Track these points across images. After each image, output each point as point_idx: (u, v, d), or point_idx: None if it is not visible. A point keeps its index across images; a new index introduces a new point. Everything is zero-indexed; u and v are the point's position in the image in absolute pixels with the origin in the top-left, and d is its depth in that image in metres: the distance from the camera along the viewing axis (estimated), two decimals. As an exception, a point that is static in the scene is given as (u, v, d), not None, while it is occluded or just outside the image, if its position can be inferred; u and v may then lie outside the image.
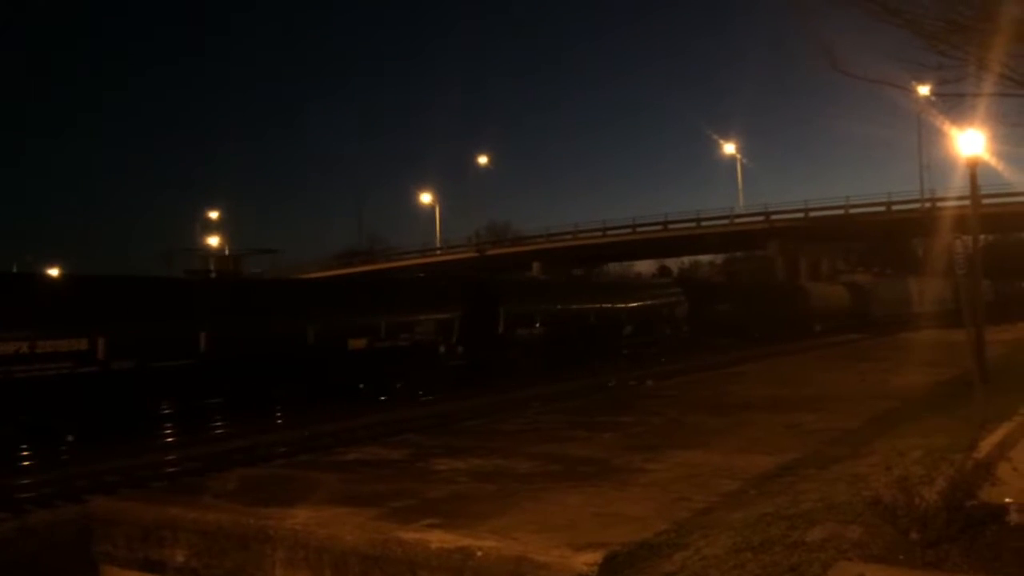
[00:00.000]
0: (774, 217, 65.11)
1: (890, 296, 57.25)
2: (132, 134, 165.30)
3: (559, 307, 30.11)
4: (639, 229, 70.47)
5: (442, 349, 24.72)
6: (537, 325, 28.07)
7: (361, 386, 22.60)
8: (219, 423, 18.70)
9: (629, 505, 8.19)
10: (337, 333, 21.90)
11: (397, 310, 24.07)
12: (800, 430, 12.39)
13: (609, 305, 32.96)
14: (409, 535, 7.50)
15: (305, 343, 20.78)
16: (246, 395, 19.54)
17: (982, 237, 21.46)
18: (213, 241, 76.59)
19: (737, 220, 67.31)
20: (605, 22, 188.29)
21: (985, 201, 37.53)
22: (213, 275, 23.90)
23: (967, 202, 17.58)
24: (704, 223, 67.58)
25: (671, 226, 68.61)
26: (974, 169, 15.92)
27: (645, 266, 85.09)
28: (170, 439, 17.10)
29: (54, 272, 33.69)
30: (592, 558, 6.54)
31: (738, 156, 77.42)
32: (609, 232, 72.03)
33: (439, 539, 7.31)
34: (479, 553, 6.99)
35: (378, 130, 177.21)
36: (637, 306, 34.32)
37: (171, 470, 13.45)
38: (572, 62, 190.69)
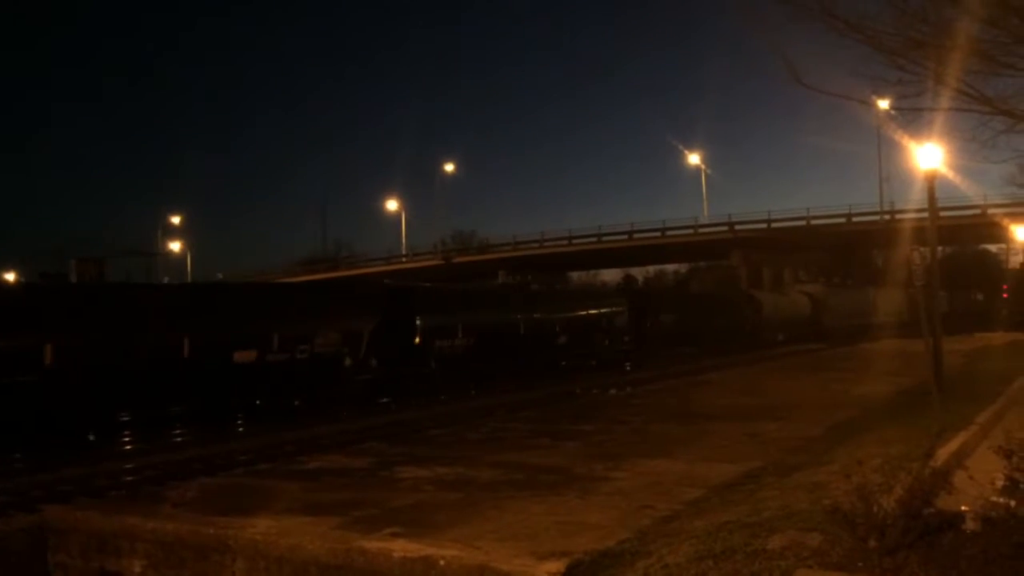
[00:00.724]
0: (738, 227, 65.76)
1: (846, 306, 56.81)
2: (96, 139, 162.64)
3: (485, 317, 27.80)
4: (605, 238, 70.78)
5: (348, 362, 22.40)
6: (460, 336, 26.05)
7: (257, 403, 20.16)
8: (178, 431, 18.32)
9: (592, 514, 8.21)
10: (219, 345, 19.27)
11: (293, 320, 21.40)
12: (762, 439, 12.52)
13: (541, 315, 30.74)
14: (372, 544, 7.45)
15: (180, 355, 18.30)
16: (98, 413, 17.15)
17: (940, 249, 21.85)
18: (174, 246, 75.95)
19: (701, 230, 67.88)
20: (572, 32, 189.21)
21: (943, 214, 38.27)
22: (73, 280, 20.94)
23: (926, 215, 17.88)
24: (669, 233, 68.08)
25: (636, 236, 68.99)
26: (932, 182, 16.22)
27: (611, 275, 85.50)
28: (128, 447, 16.79)
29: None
30: (555, 567, 6.54)
31: (703, 167, 78.14)
32: (575, 241, 72.27)
33: (402, 548, 7.27)
34: (442, 562, 6.95)
35: (346, 137, 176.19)
36: (573, 316, 32.41)
37: (129, 479, 13.17)
38: (539, 72, 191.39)
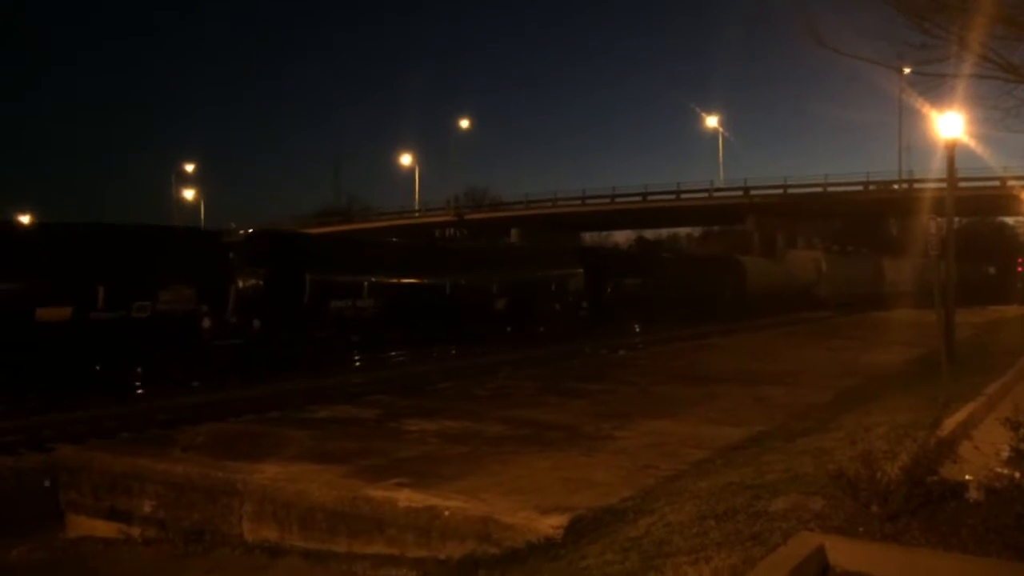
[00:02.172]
0: (753, 192, 65.26)
1: (848, 275, 53.54)
2: (108, 92, 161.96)
3: (398, 276, 24.23)
4: (618, 199, 70.39)
5: (207, 324, 18.55)
6: (365, 297, 22.52)
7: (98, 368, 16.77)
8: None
9: (596, 471, 8.27)
10: (16, 299, 15.57)
11: (127, 269, 17.35)
12: (768, 403, 12.55)
13: (475, 276, 26.98)
14: (377, 493, 7.54)
15: None
16: None
17: (956, 220, 21.66)
18: (188, 194, 76.07)
19: (716, 194, 67.40)
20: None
21: (962, 184, 37.90)
22: None
23: (944, 184, 17.70)
24: (684, 196, 67.61)
25: (650, 198, 68.57)
26: (952, 151, 15.99)
27: (623, 236, 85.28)
28: (139, 392, 16.97)
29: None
30: (558, 521, 6.60)
31: (720, 130, 77.36)
32: (588, 201, 71.92)
33: (407, 498, 7.35)
34: (446, 513, 7.04)
35: (361, 92, 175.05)
36: (515, 278, 28.54)
37: (139, 422, 13.34)
38: (557, 33, 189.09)
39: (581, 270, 31.70)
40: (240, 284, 20.14)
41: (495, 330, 27.42)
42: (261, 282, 20.64)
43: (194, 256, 19.09)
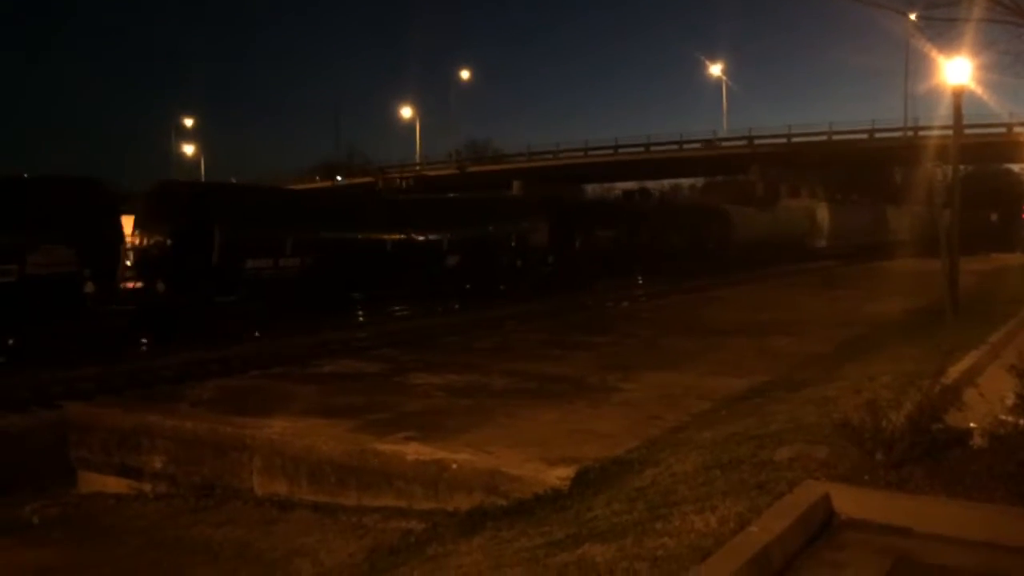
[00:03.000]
0: (757, 142, 64.73)
1: (847, 225, 51.67)
2: (105, 48, 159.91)
3: (329, 231, 21.46)
4: (621, 150, 69.91)
5: (89, 288, 16.22)
6: (288, 255, 19.85)
7: None
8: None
9: (602, 423, 8.33)
10: None
11: None
12: (771, 354, 12.59)
13: (420, 230, 24.38)
14: (385, 447, 7.60)
15: None
16: None
17: (961, 168, 21.50)
18: (188, 149, 75.67)
19: (720, 144, 66.93)
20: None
21: (968, 132, 37.51)
22: None
23: (950, 132, 17.52)
24: (686, 146, 67.16)
25: (653, 148, 68.11)
26: (959, 98, 15.82)
27: (626, 187, 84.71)
28: (144, 349, 17.04)
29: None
30: (565, 472, 6.67)
31: (724, 78, 76.55)
32: (591, 153, 71.44)
33: (415, 451, 7.42)
34: (454, 466, 7.10)
35: (362, 44, 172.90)
36: (467, 233, 25.92)
37: (146, 378, 13.41)
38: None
39: (545, 223, 29.10)
40: (141, 242, 18.23)
41: (444, 290, 24.94)
42: (167, 240, 18.23)
43: (74, 211, 16.48)
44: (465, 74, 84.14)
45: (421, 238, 24.39)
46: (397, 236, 23.44)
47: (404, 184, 31.58)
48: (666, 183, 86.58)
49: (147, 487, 8.87)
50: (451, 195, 38.09)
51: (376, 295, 23.00)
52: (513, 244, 27.86)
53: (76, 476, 9.54)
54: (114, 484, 9.10)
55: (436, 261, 24.78)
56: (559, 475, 6.65)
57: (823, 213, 51.16)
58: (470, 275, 25.90)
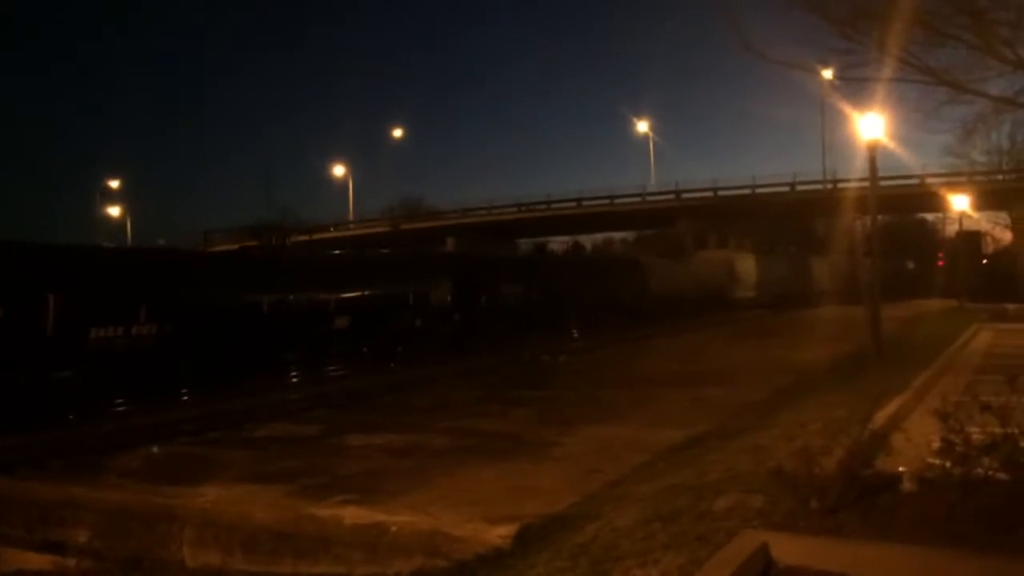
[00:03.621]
0: (684, 195, 66.33)
1: (774, 274, 51.66)
2: (34, 112, 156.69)
3: (192, 293, 19.29)
4: (554, 205, 70.86)
5: None
6: (144, 323, 17.62)
7: None
8: (120, 400, 17.82)
9: (542, 479, 8.30)
10: None
11: None
12: (706, 403, 12.76)
13: (304, 291, 22.32)
14: (323, 511, 7.45)
15: None
16: None
17: (879, 218, 22.34)
18: (114, 211, 74.18)
19: (649, 198, 68.31)
20: (518, 1, 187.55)
21: (883, 183, 39.05)
22: None
23: (867, 184, 18.24)
24: (617, 200, 68.42)
25: (585, 203, 69.24)
26: (873, 151, 16.53)
27: (559, 243, 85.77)
28: (68, 416, 16.42)
29: None
30: (506, 531, 6.61)
31: (650, 135, 78.55)
32: (524, 208, 72.21)
33: (353, 515, 7.28)
34: (394, 528, 6.98)
35: (292, 104, 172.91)
36: (358, 292, 24.10)
37: (70, 449, 12.90)
38: (487, 40, 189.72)
39: (448, 279, 27.44)
40: None
41: (331, 354, 23.01)
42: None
43: None
44: (397, 132, 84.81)
45: (305, 299, 22.22)
46: (274, 298, 21.13)
47: (281, 242, 27.69)
48: (599, 237, 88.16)
49: (71, 563, 8.48)
50: (339, 252, 34.96)
51: (251, 363, 20.35)
52: (411, 303, 25.94)
53: (-5, 554, 9.08)
54: (36, 560, 8.68)
55: (322, 323, 22.69)
56: (500, 533, 6.59)
57: (748, 264, 52.05)
58: (363, 337, 24.05)
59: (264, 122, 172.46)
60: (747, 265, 51.19)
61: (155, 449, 11.36)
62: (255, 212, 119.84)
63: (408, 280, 26.32)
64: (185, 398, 17.68)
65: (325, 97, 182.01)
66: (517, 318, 29.63)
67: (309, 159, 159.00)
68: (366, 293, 24.34)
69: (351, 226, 79.99)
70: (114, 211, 74.06)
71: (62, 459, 11.48)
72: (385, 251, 39.86)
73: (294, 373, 21.24)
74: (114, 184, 75.44)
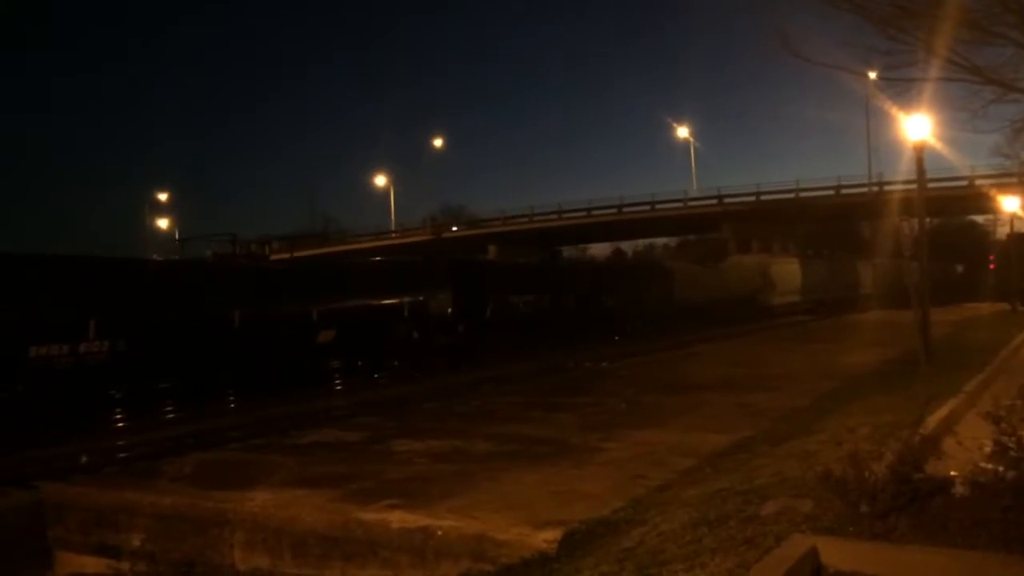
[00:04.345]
0: (727, 200, 65.86)
1: (820, 278, 49.78)
2: (79, 124, 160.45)
3: (149, 309, 17.59)
4: (594, 212, 70.77)
5: None
6: (93, 339, 16.17)
7: None
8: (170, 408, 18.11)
9: (586, 483, 8.30)
10: None
11: None
12: (752, 409, 12.64)
13: (282, 303, 20.65)
14: (369, 516, 7.53)
15: None
16: None
17: (927, 220, 21.97)
18: (162, 223, 75.65)
19: (691, 203, 67.96)
20: (565, 10, 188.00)
21: (931, 185, 38.39)
22: None
23: (914, 186, 17.97)
24: (658, 207, 68.10)
25: (626, 210, 69.02)
26: (920, 153, 16.28)
27: (600, 249, 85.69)
28: (120, 424, 16.80)
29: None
30: (551, 535, 6.63)
31: (692, 140, 78.12)
32: (565, 215, 72.23)
33: (400, 519, 7.35)
34: (439, 532, 7.04)
35: (335, 113, 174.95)
36: (347, 303, 22.42)
37: (123, 455, 13.21)
38: (530, 48, 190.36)
39: (448, 289, 25.53)
40: None
41: (313, 371, 21.24)
42: None
43: None
44: (438, 142, 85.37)
45: (284, 312, 20.54)
46: (248, 310, 19.45)
47: (263, 249, 24.67)
48: (640, 243, 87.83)
49: (126, 566, 8.68)
50: (327, 260, 32.89)
51: (220, 382, 19.01)
52: (406, 314, 24.30)
53: (53, 557, 9.32)
54: (92, 564, 8.90)
55: (304, 337, 21.06)
56: (546, 538, 6.61)
57: (791, 268, 51.13)
58: (352, 351, 22.54)
59: (309, 133, 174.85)
60: (791, 269, 49.98)
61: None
62: (298, 220, 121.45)
63: (403, 289, 24.69)
64: (120, 424, 16.35)
65: (368, 107, 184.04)
66: (528, 329, 27.98)
67: (353, 169, 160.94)
68: (355, 304, 22.74)
69: (392, 235, 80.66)
70: (163, 223, 75.53)
71: (115, 466, 11.87)
72: (377, 258, 38.66)
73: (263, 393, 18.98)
74: (162, 197, 77.01)
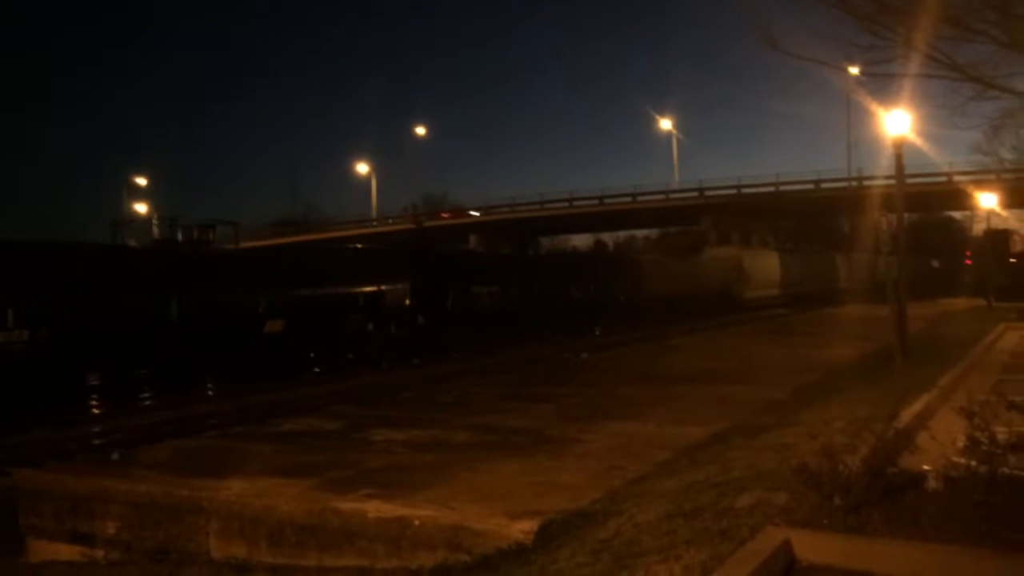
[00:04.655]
0: (708, 193, 66.15)
1: (799, 272, 49.78)
2: (56, 107, 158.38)
3: (72, 297, 16.69)
4: (576, 203, 70.91)
5: None
6: (12, 328, 15.54)
7: None
8: (147, 394, 17.97)
9: (564, 474, 8.32)
10: None
11: None
12: (729, 401, 12.72)
13: (224, 291, 19.72)
14: (346, 505, 7.51)
15: None
16: None
17: (906, 216, 22.14)
18: (141, 208, 74.88)
19: (672, 196, 68.18)
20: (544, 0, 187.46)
21: (910, 181, 38.71)
22: None
23: (893, 181, 18.10)
24: (640, 198, 68.30)
25: (607, 201, 69.20)
26: (900, 149, 16.39)
27: (581, 240, 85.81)
28: (96, 411, 16.67)
29: None
30: (528, 526, 6.64)
31: (674, 132, 78.39)
32: (547, 206, 72.29)
33: (376, 509, 7.34)
34: (416, 522, 7.04)
35: (317, 101, 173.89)
36: (298, 293, 21.48)
37: (98, 442, 13.09)
38: (512, 39, 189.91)
39: (407, 279, 24.64)
40: None
41: (256, 364, 19.96)
42: None
43: None
44: (421, 129, 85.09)
45: (226, 300, 19.65)
46: (186, 299, 18.62)
47: (208, 234, 22.25)
48: (621, 235, 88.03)
49: (100, 553, 8.62)
50: (275, 245, 30.57)
51: (156, 374, 18.28)
52: (361, 304, 23.28)
53: (25, 544, 9.24)
54: (66, 551, 8.83)
55: (249, 328, 20.03)
56: (522, 528, 6.62)
57: (770, 261, 51.30)
58: (302, 342, 21.48)
59: (290, 121, 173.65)
60: (766, 263, 49.86)
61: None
62: (280, 207, 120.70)
63: (358, 279, 23.59)
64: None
65: (350, 96, 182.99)
66: (491, 321, 27.20)
67: (335, 158, 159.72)
68: (305, 293, 21.74)
69: (373, 223, 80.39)
70: (141, 208, 74.77)
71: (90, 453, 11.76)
72: (330, 246, 37.64)
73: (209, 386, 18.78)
74: (141, 181, 76.24)
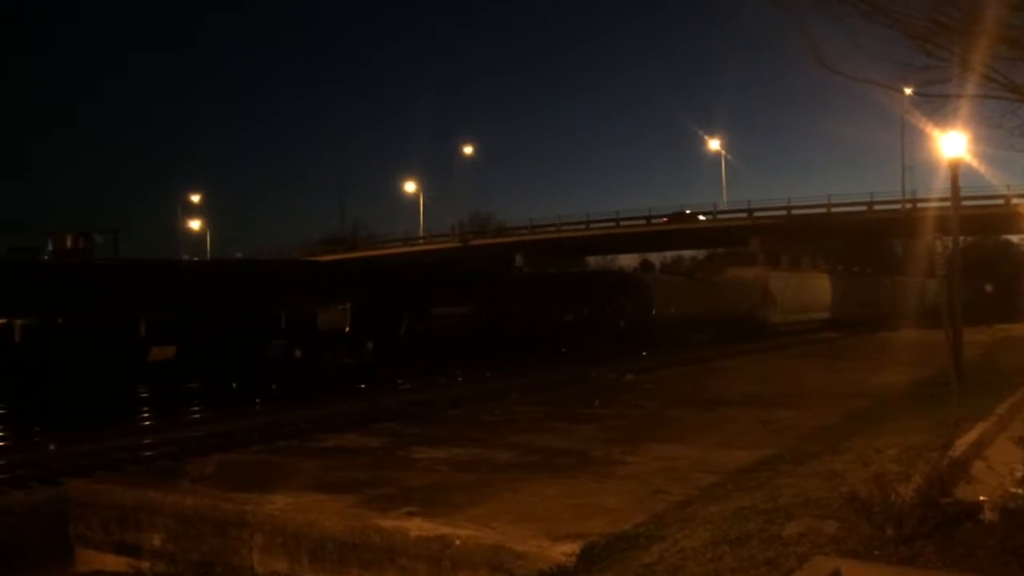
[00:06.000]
0: (757, 214, 65.46)
1: (806, 297, 46.21)
2: (108, 125, 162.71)
3: None
4: (622, 223, 70.66)
5: None
6: None
7: None
8: (195, 408, 18.14)
9: (607, 497, 8.23)
10: None
11: None
12: (777, 426, 12.49)
13: (94, 312, 16.79)
14: (388, 523, 7.50)
15: None
16: None
17: (961, 239, 21.67)
18: (195, 224, 76.51)
19: (720, 216, 67.64)
20: (597, 20, 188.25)
21: (966, 203, 37.88)
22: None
23: (948, 204, 17.72)
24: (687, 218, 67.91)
25: (654, 220, 68.86)
26: (955, 170, 16.07)
27: (627, 260, 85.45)
28: (146, 423, 16.93)
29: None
30: (570, 548, 6.56)
31: (723, 152, 77.79)
32: (592, 225, 72.17)
33: (418, 527, 7.32)
34: (457, 542, 7.00)
35: (367, 117, 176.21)
36: (194, 313, 18.23)
37: (147, 454, 13.30)
38: (562, 62, 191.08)
39: (347, 300, 21.28)
40: None
41: (140, 396, 17.78)
42: None
43: None
44: (468, 149, 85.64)
45: (95, 323, 16.65)
46: (34, 320, 15.81)
47: (85, 243, 18.82)
48: (668, 255, 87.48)
49: (145, 565, 8.72)
50: (165, 261, 23.68)
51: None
52: (283, 326, 19.78)
53: (74, 554, 9.38)
54: (112, 562, 8.95)
55: (126, 355, 17.16)
56: (564, 551, 6.54)
57: (822, 284, 50.42)
58: (201, 371, 18.82)
59: (340, 138, 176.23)
60: (799, 284, 47.01)
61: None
62: (328, 225, 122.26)
63: (279, 298, 20.14)
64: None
65: (400, 116, 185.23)
66: (453, 348, 24.08)
67: (382, 175, 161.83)
68: (208, 316, 18.54)
69: (420, 241, 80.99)
70: (195, 225, 76.38)
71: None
72: (241, 259, 33.35)
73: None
74: (195, 199, 77.92)
